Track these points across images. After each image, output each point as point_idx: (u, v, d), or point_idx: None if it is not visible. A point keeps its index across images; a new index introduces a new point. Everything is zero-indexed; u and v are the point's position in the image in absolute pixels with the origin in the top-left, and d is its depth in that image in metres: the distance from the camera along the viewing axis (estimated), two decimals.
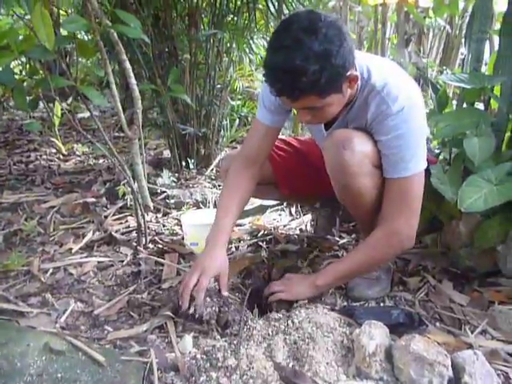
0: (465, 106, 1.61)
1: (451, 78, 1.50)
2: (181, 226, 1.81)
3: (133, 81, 1.51)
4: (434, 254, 1.56)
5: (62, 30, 1.81)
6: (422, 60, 4.21)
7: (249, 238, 1.82)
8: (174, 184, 2.33)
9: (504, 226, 1.35)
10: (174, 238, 1.77)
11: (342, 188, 1.27)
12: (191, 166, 2.52)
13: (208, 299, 1.17)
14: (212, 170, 2.56)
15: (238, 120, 3.02)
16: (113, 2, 1.33)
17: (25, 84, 1.44)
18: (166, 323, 1.19)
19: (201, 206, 2.09)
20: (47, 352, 1.01)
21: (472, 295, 1.35)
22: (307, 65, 0.99)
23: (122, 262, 1.57)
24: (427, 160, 1.23)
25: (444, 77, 1.59)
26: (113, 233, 1.76)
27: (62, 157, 2.98)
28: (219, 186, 2.34)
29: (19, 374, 0.94)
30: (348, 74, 1.07)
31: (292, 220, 2.01)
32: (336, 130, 1.25)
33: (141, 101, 1.56)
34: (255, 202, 2.04)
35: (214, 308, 1.17)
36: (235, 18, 2.37)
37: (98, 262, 1.56)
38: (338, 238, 1.76)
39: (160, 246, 1.69)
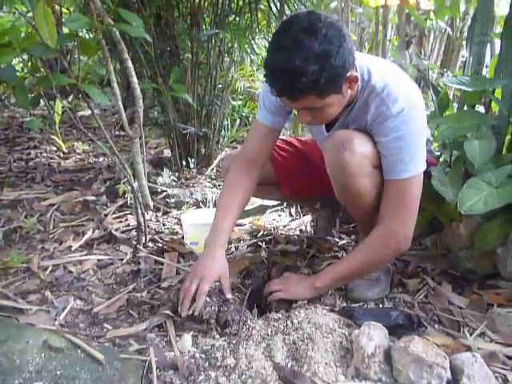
0: (466, 108, 1.61)
1: (452, 81, 1.51)
2: (181, 225, 1.82)
3: (134, 80, 1.51)
4: (433, 256, 1.56)
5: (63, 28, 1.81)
6: (423, 62, 4.22)
7: (249, 238, 1.82)
8: (174, 183, 2.33)
9: (504, 228, 1.35)
10: (174, 237, 1.78)
11: (341, 188, 1.27)
12: (192, 166, 2.52)
13: (208, 299, 1.17)
14: (212, 169, 2.56)
15: (238, 120, 3.02)
16: (115, 1, 1.33)
17: (26, 82, 1.44)
18: (165, 322, 1.19)
19: (201, 205, 2.10)
20: (46, 349, 1.01)
21: (471, 297, 1.35)
22: (307, 65, 0.99)
23: (122, 260, 1.57)
24: (428, 162, 1.23)
25: (445, 79, 1.59)
26: (113, 231, 1.76)
27: (62, 155, 2.98)
28: (219, 185, 2.34)
29: (18, 370, 0.94)
30: (348, 74, 1.07)
31: (292, 220, 2.02)
32: (336, 131, 1.25)
33: (142, 100, 1.56)
34: (255, 202, 2.04)
35: (213, 307, 1.17)
36: (237, 18, 2.37)
37: (98, 260, 1.56)
38: (337, 239, 1.76)
39: (160, 244, 1.69)
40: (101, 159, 2.89)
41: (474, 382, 0.94)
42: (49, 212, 1.96)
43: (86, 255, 1.59)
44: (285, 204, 2.11)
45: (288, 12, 2.25)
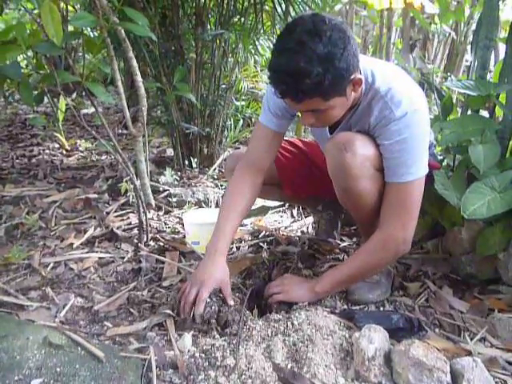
0: (469, 113, 1.61)
1: (457, 85, 1.51)
2: (182, 224, 1.82)
3: (138, 78, 1.51)
4: (435, 260, 1.56)
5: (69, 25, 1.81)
6: (427, 66, 4.22)
7: (250, 238, 1.82)
8: (176, 182, 2.33)
9: (506, 233, 1.35)
10: (176, 236, 1.78)
11: (343, 190, 1.27)
12: (194, 165, 2.53)
13: (208, 299, 1.17)
14: (215, 169, 2.56)
15: (241, 121, 3.03)
16: (121, 0, 1.33)
17: (30, 79, 1.44)
18: (165, 321, 1.19)
19: (203, 205, 2.10)
20: (46, 346, 1.01)
21: (472, 302, 1.35)
22: (311, 67, 0.99)
23: (123, 258, 1.57)
24: (431, 165, 1.23)
25: (449, 83, 1.59)
26: (114, 229, 1.76)
27: (64, 152, 2.99)
28: (221, 185, 2.34)
29: (18, 367, 0.94)
30: (352, 77, 1.07)
31: (293, 222, 2.01)
32: (338, 133, 1.25)
33: (146, 99, 1.56)
34: (257, 203, 2.04)
35: (213, 307, 1.17)
36: (242, 19, 2.37)
37: (99, 258, 1.56)
38: (339, 241, 1.76)
39: (161, 243, 1.69)
40: (103, 157, 2.90)
41: None
42: (51, 209, 1.96)
43: (87, 253, 1.60)
44: (287, 205, 2.11)
45: (293, 13, 2.25)
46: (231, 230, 1.30)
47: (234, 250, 1.71)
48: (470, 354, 1.11)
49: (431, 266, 1.53)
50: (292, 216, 2.08)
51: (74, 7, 2.49)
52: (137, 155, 1.63)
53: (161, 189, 2.22)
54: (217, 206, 2.09)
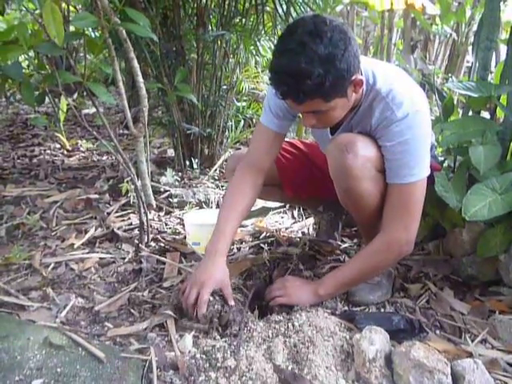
0: (470, 114, 1.61)
1: (458, 86, 1.50)
2: (183, 225, 1.82)
3: (140, 79, 1.52)
4: (436, 261, 1.56)
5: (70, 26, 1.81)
6: (428, 67, 4.21)
7: (251, 239, 1.82)
8: (177, 183, 2.33)
9: (507, 235, 1.34)
10: (176, 237, 1.78)
11: (344, 191, 1.27)
12: (195, 166, 2.53)
13: (210, 298, 1.17)
14: (215, 170, 2.56)
15: (242, 121, 3.03)
16: (122, 0, 1.33)
17: (32, 79, 1.45)
18: (166, 322, 1.19)
19: (203, 205, 2.10)
20: (47, 346, 1.01)
21: (473, 304, 1.35)
22: (311, 68, 0.99)
23: (124, 259, 1.57)
24: (432, 167, 1.23)
25: (450, 84, 1.59)
26: (115, 230, 1.76)
27: (65, 152, 2.99)
28: (222, 186, 2.34)
29: (19, 367, 0.94)
30: (353, 78, 1.07)
31: (294, 223, 2.01)
32: (339, 134, 1.25)
33: (147, 99, 1.56)
34: (258, 204, 2.04)
35: (216, 306, 1.17)
36: (243, 20, 2.37)
37: (100, 259, 1.56)
38: (339, 243, 1.76)
39: (162, 244, 1.69)
40: (104, 157, 2.90)
41: None
42: (52, 209, 1.96)
43: (88, 253, 1.60)
44: (287, 206, 2.11)
45: (294, 14, 2.25)
46: (231, 230, 1.29)
47: (235, 250, 1.71)
48: (470, 355, 1.11)
49: (432, 267, 1.53)
50: (293, 217, 2.08)
51: (75, 7, 2.49)
52: (138, 156, 1.64)
53: (162, 189, 2.22)
54: (218, 206, 2.09)
